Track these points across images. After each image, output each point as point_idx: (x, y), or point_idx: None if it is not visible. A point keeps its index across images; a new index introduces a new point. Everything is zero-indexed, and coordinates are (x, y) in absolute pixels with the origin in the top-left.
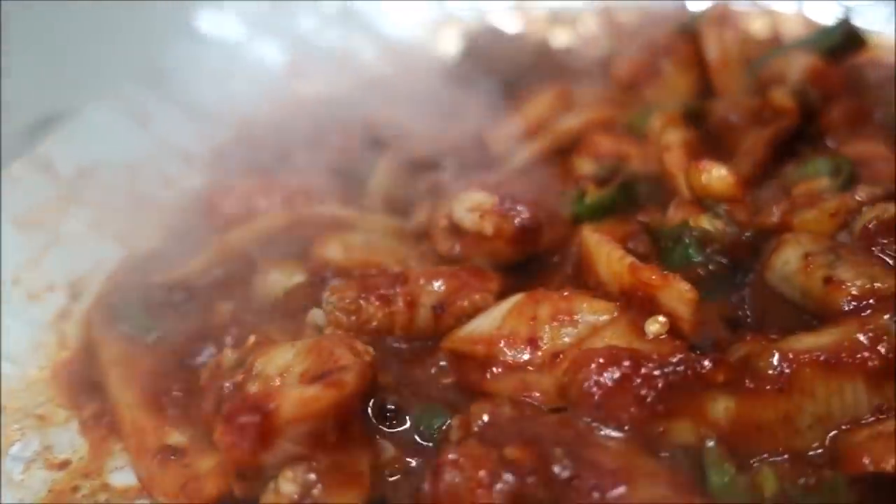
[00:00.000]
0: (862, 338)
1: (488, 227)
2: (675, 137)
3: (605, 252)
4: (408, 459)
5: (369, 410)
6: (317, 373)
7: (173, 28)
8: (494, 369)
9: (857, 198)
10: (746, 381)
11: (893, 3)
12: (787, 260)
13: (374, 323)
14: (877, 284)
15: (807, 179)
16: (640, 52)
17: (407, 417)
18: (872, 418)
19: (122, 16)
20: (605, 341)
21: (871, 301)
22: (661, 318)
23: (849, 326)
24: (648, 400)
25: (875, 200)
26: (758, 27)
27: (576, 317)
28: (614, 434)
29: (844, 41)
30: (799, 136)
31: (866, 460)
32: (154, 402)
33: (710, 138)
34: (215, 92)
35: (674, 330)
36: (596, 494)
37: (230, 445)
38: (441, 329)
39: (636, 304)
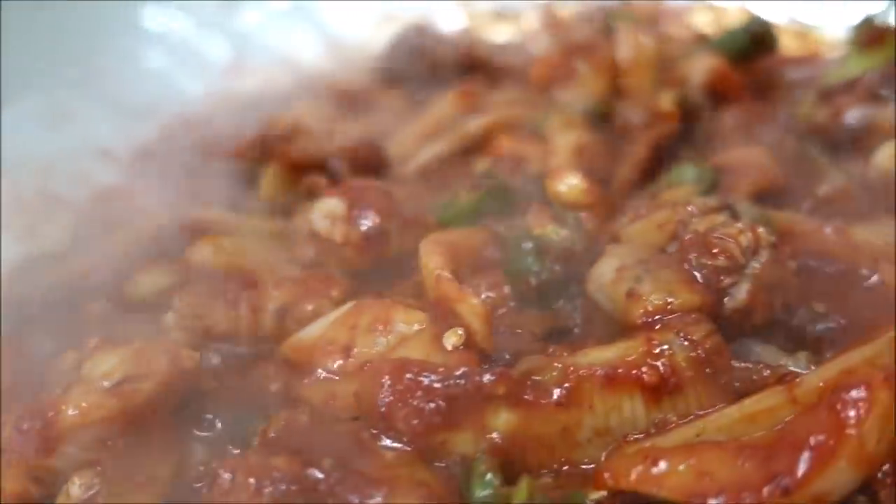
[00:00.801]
0: (643, 353)
1: (337, 234)
2: (563, 140)
3: (426, 262)
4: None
5: (189, 414)
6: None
7: (117, 25)
8: (311, 376)
9: (689, 209)
10: (527, 394)
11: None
12: (603, 272)
13: (220, 327)
14: (670, 299)
15: (672, 187)
16: (557, 51)
17: (224, 422)
18: (641, 435)
19: (68, 13)
20: (408, 351)
21: (663, 316)
22: (459, 331)
23: (634, 341)
24: (427, 412)
25: (707, 212)
26: (700, 21)
27: (390, 326)
28: (395, 444)
29: (751, 43)
30: (685, 141)
31: (606, 475)
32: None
33: (613, 141)
34: (152, 89)
35: (472, 342)
36: (354, 501)
37: (14, 449)
38: (285, 335)
39: (443, 315)
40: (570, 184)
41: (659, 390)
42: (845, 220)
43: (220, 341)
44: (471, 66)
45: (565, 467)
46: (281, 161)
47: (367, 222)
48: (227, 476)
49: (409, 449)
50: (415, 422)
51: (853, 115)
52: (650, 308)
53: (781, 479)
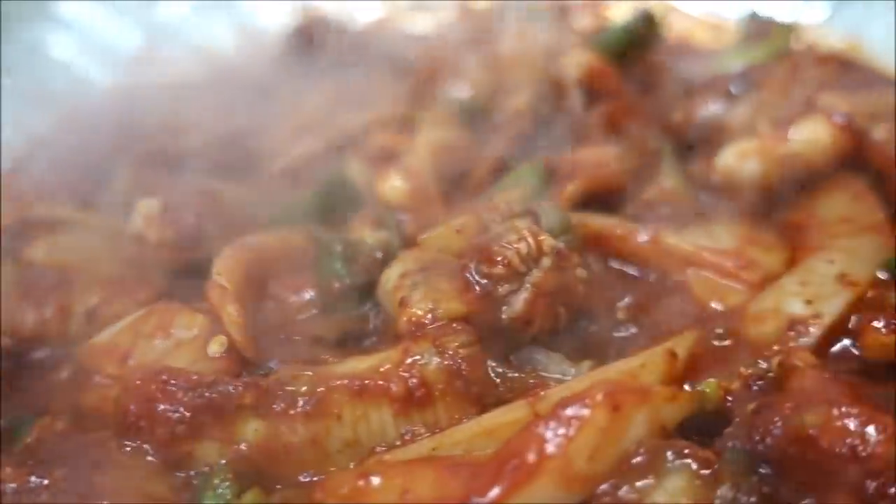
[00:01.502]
0: (396, 364)
1: (151, 235)
2: (424, 138)
3: (214, 265)
4: None
5: None
6: None
7: (25, 13)
8: (92, 381)
9: (491, 214)
10: (277, 404)
11: None
12: (390, 277)
13: (27, 328)
14: (433, 308)
15: (507, 189)
16: (448, 44)
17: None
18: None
19: None
20: (178, 357)
21: (428, 326)
22: (222, 338)
23: (392, 351)
24: (172, 421)
25: (509, 217)
26: (617, 14)
27: (170, 331)
28: (137, 454)
29: (631, 39)
30: (546, 139)
31: (319, 491)
32: None
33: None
34: (59, 79)
35: (234, 350)
36: None
37: None
38: (92, 337)
39: (219, 321)
40: (392, 185)
41: (406, 402)
42: (675, 223)
43: (30, 342)
44: (365, 58)
45: (316, 478)
46: (135, 158)
47: (179, 223)
48: None
49: (153, 459)
50: (159, 431)
51: (704, 113)
52: (414, 318)
53: (476, 498)
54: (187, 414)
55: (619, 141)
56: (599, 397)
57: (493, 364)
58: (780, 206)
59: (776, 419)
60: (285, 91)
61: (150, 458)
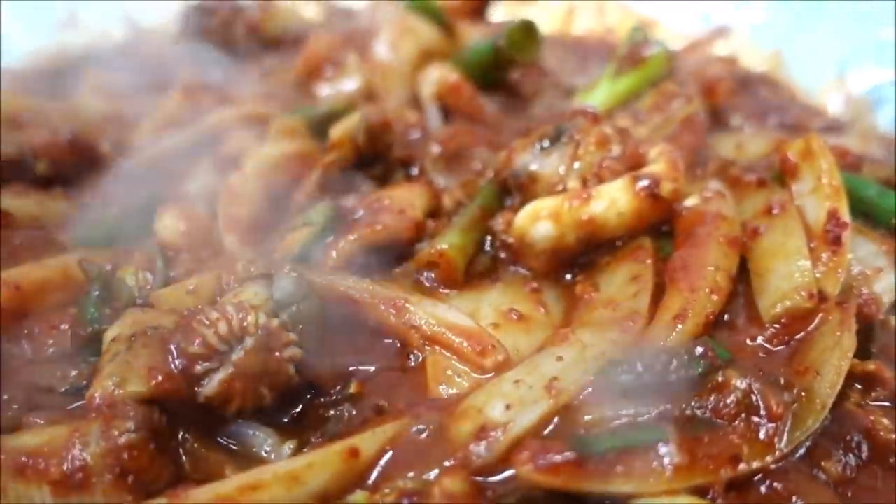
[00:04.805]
0: (63, 443)
1: None
2: (260, 154)
3: None
4: None
5: None
6: None
7: None
8: None
9: (227, 277)
10: None
11: None
12: (106, 338)
13: None
14: (114, 385)
15: (298, 228)
16: (327, 42)
17: None
18: None
19: None
20: None
21: (105, 405)
22: None
23: (62, 428)
24: None
25: (244, 280)
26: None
27: None
28: None
29: (497, 57)
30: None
31: None
32: None
33: None
34: None
35: None
36: None
37: None
38: None
39: None
40: (164, 224)
41: (64, 485)
42: (447, 288)
43: None
44: (261, 42)
45: None
46: None
47: None
48: None
49: None
50: None
51: (521, 158)
52: (97, 393)
53: None
54: None
55: (450, 175)
56: None
57: (191, 440)
58: (575, 269)
59: None
60: (173, 75)
61: None
